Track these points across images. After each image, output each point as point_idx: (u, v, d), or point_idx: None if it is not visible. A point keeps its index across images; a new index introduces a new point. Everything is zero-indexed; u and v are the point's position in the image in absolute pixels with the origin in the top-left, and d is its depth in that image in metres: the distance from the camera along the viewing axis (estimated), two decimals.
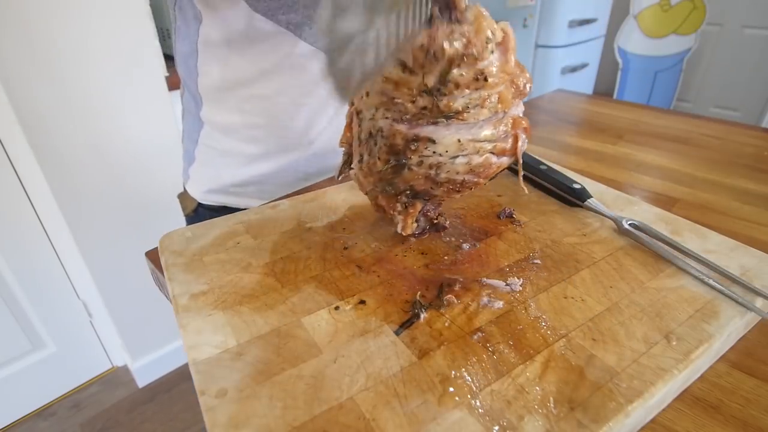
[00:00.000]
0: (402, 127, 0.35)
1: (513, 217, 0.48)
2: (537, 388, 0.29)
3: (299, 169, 0.63)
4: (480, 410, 0.27)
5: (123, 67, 1.06)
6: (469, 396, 0.28)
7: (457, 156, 0.36)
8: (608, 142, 0.77)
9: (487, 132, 0.35)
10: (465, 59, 0.32)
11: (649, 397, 0.28)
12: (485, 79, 0.33)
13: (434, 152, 0.35)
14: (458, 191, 0.39)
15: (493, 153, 0.36)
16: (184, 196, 0.71)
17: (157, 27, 1.10)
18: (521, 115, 0.38)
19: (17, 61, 0.93)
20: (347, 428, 0.27)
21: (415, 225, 0.42)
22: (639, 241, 0.43)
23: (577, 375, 0.30)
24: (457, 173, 0.36)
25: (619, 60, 2.45)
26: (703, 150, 0.74)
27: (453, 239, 0.44)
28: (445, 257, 0.42)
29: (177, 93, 1.14)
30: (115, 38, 1.02)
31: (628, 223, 0.45)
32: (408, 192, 0.39)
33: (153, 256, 0.47)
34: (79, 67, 1.00)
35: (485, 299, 0.36)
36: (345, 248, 0.43)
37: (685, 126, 0.83)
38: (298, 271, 0.40)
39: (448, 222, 0.46)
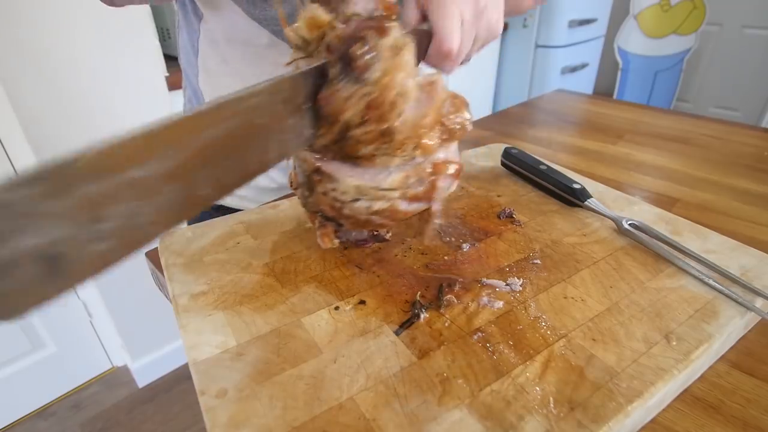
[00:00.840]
0: (309, 156, 0.33)
1: (513, 217, 0.48)
2: (537, 388, 0.29)
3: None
4: (480, 410, 0.27)
5: (123, 67, 1.06)
6: (469, 396, 0.28)
7: (358, 199, 0.33)
8: (608, 142, 0.77)
9: (394, 179, 0.32)
10: (367, 120, 0.28)
11: (649, 397, 0.28)
12: (391, 136, 0.30)
13: (334, 189, 0.33)
14: (364, 227, 0.36)
15: (403, 199, 0.33)
16: None
17: (157, 27, 1.10)
18: (452, 156, 0.34)
19: (17, 61, 0.93)
20: (347, 428, 0.27)
21: (336, 241, 0.39)
22: (639, 241, 0.43)
23: (577, 375, 0.30)
24: (360, 214, 0.34)
25: (619, 60, 2.45)
26: (703, 150, 0.74)
27: (453, 239, 0.44)
28: (445, 257, 0.42)
29: (177, 93, 1.14)
30: (115, 38, 1.02)
31: (628, 223, 0.45)
32: (320, 213, 0.37)
33: (153, 256, 0.47)
34: (78, 67, 1.00)
35: (485, 299, 0.36)
36: (345, 248, 0.43)
37: (685, 126, 0.83)
38: (298, 271, 0.40)
39: (389, 234, 0.43)
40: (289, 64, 0.32)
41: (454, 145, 0.35)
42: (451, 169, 0.34)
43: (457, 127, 0.33)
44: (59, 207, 0.14)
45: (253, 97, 0.22)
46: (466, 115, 0.34)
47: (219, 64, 0.55)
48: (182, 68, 0.62)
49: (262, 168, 0.24)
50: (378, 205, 0.33)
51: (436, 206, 0.35)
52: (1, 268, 0.13)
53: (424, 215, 0.38)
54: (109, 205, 0.16)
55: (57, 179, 0.14)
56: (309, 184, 0.35)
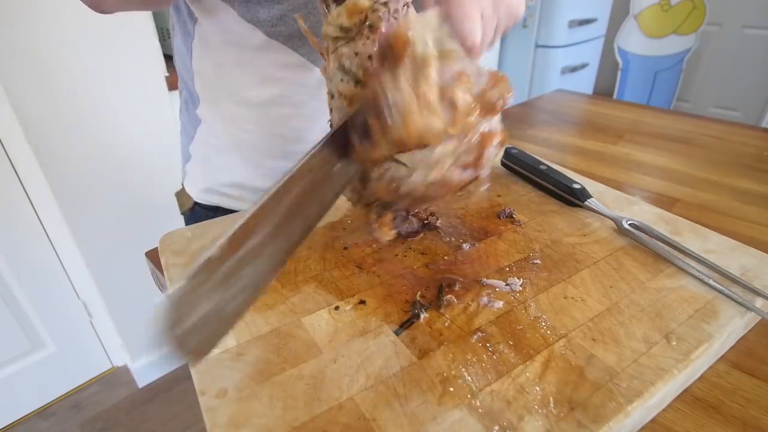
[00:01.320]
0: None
1: (513, 217, 0.48)
2: (537, 388, 0.29)
3: None
4: (480, 410, 0.27)
5: (123, 67, 1.06)
6: (469, 396, 0.28)
7: (413, 173, 0.34)
8: (608, 142, 0.77)
9: (445, 150, 0.34)
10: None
11: (649, 397, 0.28)
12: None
13: (389, 168, 0.34)
14: (422, 203, 0.38)
15: (456, 166, 0.35)
16: (181, 194, 0.71)
17: (157, 27, 1.10)
18: (496, 127, 0.36)
19: (17, 61, 0.93)
20: (347, 428, 0.27)
21: (393, 232, 0.40)
22: (639, 241, 0.43)
23: (577, 375, 0.30)
24: (417, 189, 0.35)
25: (619, 60, 2.45)
26: (703, 150, 0.74)
27: (453, 239, 0.44)
28: (445, 257, 0.41)
29: (176, 93, 1.14)
30: (115, 38, 1.02)
31: (628, 223, 0.45)
32: (376, 202, 0.39)
33: (153, 256, 0.47)
34: (79, 67, 1.00)
35: (485, 299, 0.36)
36: (345, 248, 0.43)
37: (685, 126, 0.83)
38: (298, 271, 0.40)
39: (440, 221, 0.45)
40: (333, 52, 0.33)
41: (497, 117, 0.36)
42: (497, 137, 0.35)
43: (497, 101, 0.34)
44: (212, 282, 0.22)
45: (301, 177, 0.28)
46: (505, 85, 0.35)
47: (214, 67, 0.55)
48: (178, 71, 0.62)
49: (331, 203, 0.31)
50: (433, 175, 0.34)
51: (485, 173, 0.37)
52: (194, 328, 0.21)
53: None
54: (240, 270, 0.24)
55: (207, 268, 0.22)
56: (363, 175, 0.36)
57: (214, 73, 0.56)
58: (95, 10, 0.43)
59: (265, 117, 0.57)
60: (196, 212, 0.67)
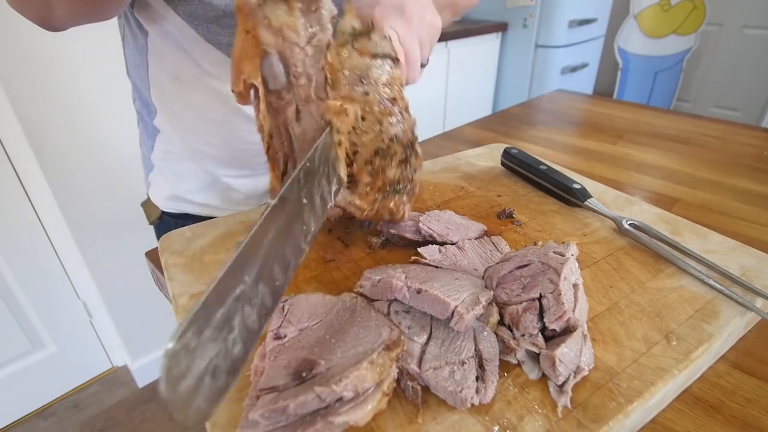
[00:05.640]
0: (411, 120, 0.37)
1: (513, 217, 0.48)
2: (537, 388, 0.29)
3: (258, 186, 0.61)
4: (480, 410, 0.27)
5: (121, 67, 1.05)
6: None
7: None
8: (608, 142, 0.77)
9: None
10: None
11: (649, 397, 0.28)
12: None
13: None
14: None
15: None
16: (147, 204, 0.68)
17: None
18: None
19: (17, 62, 0.93)
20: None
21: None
22: (639, 241, 0.43)
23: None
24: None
25: (619, 60, 2.45)
26: (703, 150, 0.74)
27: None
28: None
29: None
30: (115, 38, 1.02)
31: (628, 223, 0.45)
32: (412, 175, 0.41)
33: (153, 256, 0.47)
34: (78, 67, 1.00)
35: None
36: (346, 246, 0.43)
37: (685, 126, 0.83)
38: (298, 271, 0.40)
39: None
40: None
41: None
42: None
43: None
44: (208, 335, 0.21)
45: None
46: None
47: (171, 80, 0.54)
48: (132, 81, 0.60)
49: (307, 240, 0.30)
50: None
51: None
52: (194, 388, 0.19)
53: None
54: (232, 318, 0.22)
55: (199, 319, 0.20)
56: (409, 153, 0.39)
57: (171, 85, 0.54)
58: (47, 29, 0.43)
59: (225, 131, 0.55)
60: (165, 221, 0.65)
